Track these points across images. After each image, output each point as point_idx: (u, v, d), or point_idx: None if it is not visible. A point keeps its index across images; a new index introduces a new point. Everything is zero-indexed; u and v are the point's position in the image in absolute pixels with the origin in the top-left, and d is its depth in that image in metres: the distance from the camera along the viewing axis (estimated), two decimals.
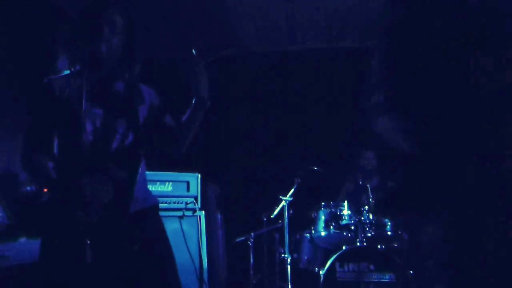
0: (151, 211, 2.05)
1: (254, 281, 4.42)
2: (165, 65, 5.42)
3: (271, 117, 5.74)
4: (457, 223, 4.30)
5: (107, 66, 1.96)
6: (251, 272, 4.36)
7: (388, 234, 4.10)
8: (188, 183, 3.85)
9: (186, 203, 3.75)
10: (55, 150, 1.93)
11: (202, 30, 5.07)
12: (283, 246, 4.23)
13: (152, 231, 2.00)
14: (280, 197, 4.31)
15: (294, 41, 5.66)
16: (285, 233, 4.19)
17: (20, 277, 2.62)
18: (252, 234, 4.36)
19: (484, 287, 3.94)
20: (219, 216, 4.43)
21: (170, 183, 3.78)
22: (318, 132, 5.50)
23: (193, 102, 2.06)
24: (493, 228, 4.03)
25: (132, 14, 2.04)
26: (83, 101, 1.87)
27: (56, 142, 1.94)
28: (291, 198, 4.30)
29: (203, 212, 3.84)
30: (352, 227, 4.12)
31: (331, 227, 4.16)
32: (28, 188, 3.35)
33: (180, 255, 3.40)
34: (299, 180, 4.42)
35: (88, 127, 1.89)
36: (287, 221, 4.21)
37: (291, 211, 4.32)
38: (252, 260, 4.36)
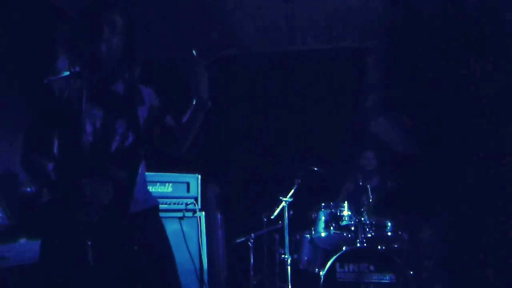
0: (151, 212, 2.05)
1: (254, 282, 4.42)
2: (165, 65, 5.42)
3: (271, 117, 5.73)
4: (457, 223, 4.29)
5: (107, 67, 1.96)
6: (251, 272, 4.36)
7: (388, 235, 4.10)
8: (188, 184, 3.85)
9: (186, 204, 3.75)
10: (55, 151, 1.93)
11: (202, 30, 5.07)
12: (283, 246, 4.22)
13: (152, 232, 2.00)
14: (280, 197, 4.31)
15: (294, 41, 5.66)
16: (285, 234, 4.19)
17: (20, 278, 2.61)
18: (252, 234, 4.36)
19: (484, 287, 3.93)
20: (219, 217, 4.43)
21: (170, 184, 3.78)
22: (318, 133, 5.49)
23: (194, 102, 2.06)
24: (493, 228, 4.02)
25: (132, 14, 2.04)
26: (83, 102, 1.87)
27: (56, 143, 1.94)
28: (291, 199, 4.30)
29: (203, 213, 3.84)
30: (352, 228, 4.12)
31: (331, 227, 4.16)
32: (28, 189, 3.35)
33: (180, 256, 3.39)
34: (299, 181, 4.42)
35: (88, 128, 1.89)
36: (287, 221, 4.21)
37: (291, 212, 4.32)
38: (252, 261, 4.35)
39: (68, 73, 1.98)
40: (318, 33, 5.42)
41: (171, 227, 3.55)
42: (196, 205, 3.82)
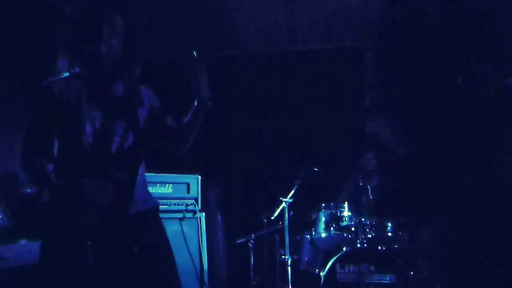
0: (151, 213, 2.05)
1: (255, 283, 4.41)
2: (165, 66, 5.42)
3: (271, 117, 5.72)
4: (457, 223, 4.29)
5: (107, 67, 1.96)
6: (252, 273, 4.35)
7: (388, 235, 4.10)
8: (188, 184, 3.84)
9: (187, 205, 3.75)
10: (55, 151, 1.93)
11: (202, 30, 5.06)
12: (283, 247, 4.22)
13: (152, 233, 2.00)
14: (281, 198, 4.30)
15: (294, 41, 5.66)
16: (286, 235, 4.18)
17: (20, 279, 2.61)
18: (252, 235, 4.35)
19: (484, 287, 3.93)
20: (219, 217, 4.43)
21: (170, 185, 3.77)
22: (318, 133, 5.48)
23: (195, 103, 2.06)
24: (493, 228, 4.02)
25: (132, 14, 2.04)
26: (83, 102, 1.87)
27: (56, 143, 1.93)
28: (292, 199, 4.30)
29: (204, 213, 3.84)
30: (353, 228, 4.12)
31: (332, 228, 4.16)
32: (28, 189, 3.34)
33: (181, 257, 3.39)
34: (300, 181, 4.41)
35: (88, 128, 1.89)
36: (287, 222, 4.21)
37: (292, 213, 4.32)
38: (252, 262, 4.35)
39: (68, 74, 1.98)
40: (318, 33, 5.41)
41: (171, 228, 3.54)
42: (196, 205, 3.82)
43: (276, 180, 5.04)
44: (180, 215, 3.69)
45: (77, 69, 1.98)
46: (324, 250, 4.34)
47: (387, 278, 3.79)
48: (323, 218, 4.24)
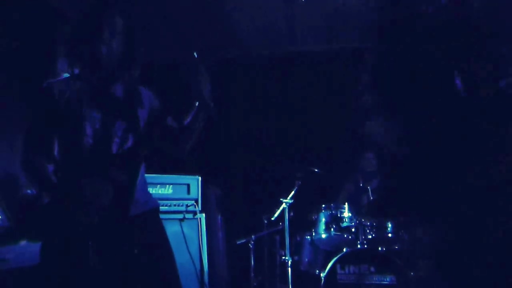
0: (151, 214, 2.05)
1: (255, 284, 4.41)
2: (165, 66, 5.41)
3: (271, 118, 5.72)
4: (457, 223, 4.28)
5: (106, 67, 1.96)
6: (252, 274, 4.35)
7: (388, 236, 4.09)
8: (188, 185, 3.84)
9: (187, 206, 3.74)
10: (55, 152, 1.93)
11: (202, 30, 5.06)
12: (283, 248, 4.22)
13: (152, 234, 2.00)
14: (281, 199, 4.30)
15: (294, 42, 5.66)
16: (286, 235, 4.18)
17: (20, 280, 2.60)
18: (252, 236, 4.35)
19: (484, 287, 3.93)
20: (219, 218, 4.42)
21: (171, 185, 3.77)
22: (318, 134, 5.48)
23: (196, 104, 2.05)
24: (493, 228, 4.02)
25: (131, 15, 2.04)
26: (83, 104, 1.87)
27: (56, 144, 1.93)
28: (292, 200, 4.30)
29: (204, 214, 3.84)
30: (353, 229, 4.12)
31: (332, 229, 4.15)
32: (29, 190, 3.34)
33: (181, 258, 3.39)
34: (300, 182, 4.41)
35: (88, 129, 1.89)
36: (287, 223, 4.20)
37: (292, 213, 4.31)
38: (252, 263, 4.35)
39: (68, 75, 1.98)
40: (318, 33, 5.42)
41: (172, 229, 3.54)
42: (197, 206, 3.81)
43: (276, 181, 5.04)
44: (180, 216, 3.69)
45: (77, 70, 1.98)
46: (324, 251, 4.33)
47: (387, 279, 3.78)
48: (323, 219, 4.23)
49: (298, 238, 4.44)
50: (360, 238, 4.05)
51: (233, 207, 5.00)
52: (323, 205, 4.30)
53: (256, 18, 5.04)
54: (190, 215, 3.74)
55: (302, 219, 4.45)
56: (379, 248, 3.94)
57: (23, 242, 2.75)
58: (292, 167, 4.77)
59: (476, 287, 4.01)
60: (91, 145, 1.89)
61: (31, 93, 2.10)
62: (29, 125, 1.95)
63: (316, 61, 5.71)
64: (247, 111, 5.80)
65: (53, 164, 1.91)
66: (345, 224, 4.14)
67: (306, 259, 4.33)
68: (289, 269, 4.07)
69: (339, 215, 4.19)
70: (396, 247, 4.15)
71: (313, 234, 4.26)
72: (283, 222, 4.24)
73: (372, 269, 3.83)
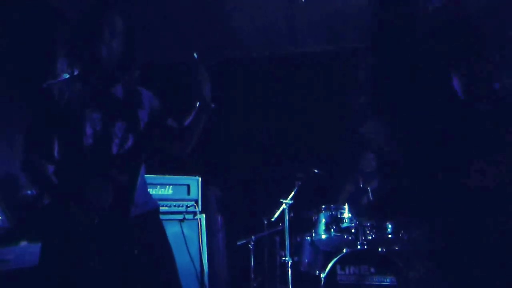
0: (151, 214, 2.05)
1: (255, 284, 4.41)
2: (165, 66, 5.41)
3: (271, 119, 5.72)
4: (457, 223, 4.28)
5: (106, 68, 1.95)
6: (252, 275, 4.35)
7: (388, 237, 4.09)
8: (188, 186, 3.84)
9: (187, 206, 3.74)
10: (56, 153, 1.92)
11: (202, 30, 5.06)
12: (284, 249, 4.22)
13: (152, 235, 2.00)
14: (281, 200, 4.30)
15: (294, 42, 5.65)
16: (286, 236, 4.18)
17: (20, 281, 2.60)
18: (252, 237, 4.35)
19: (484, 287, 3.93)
20: (219, 219, 4.42)
21: (171, 186, 3.77)
22: (318, 134, 5.47)
23: (197, 105, 2.05)
24: (493, 228, 4.02)
25: (131, 15, 2.04)
26: (83, 104, 1.87)
27: (56, 145, 1.93)
28: (292, 201, 4.29)
29: (204, 215, 3.83)
30: (353, 230, 4.12)
31: (332, 230, 4.15)
32: (29, 191, 3.34)
33: (181, 258, 3.39)
34: (300, 183, 4.41)
35: (88, 130, 1.89)
36: (287, 224, 4.20)
37: (292, 214, 4.31)
38: (252, 263, 4.34)
39: (67, 75, 1.98)
40: (318, 33, 5.41)
41: (172, 230, 3.54)
42: (197, 207, 3.81)
43: (276, 181, 5.04)
44: (180, 216, 3.68)
45: (76, 70, 1.98)
46: (324, 252, 4.33)
47: (388, 280, 3.78)
48: (323, 220, 4.23)
49: (298, 239, 4.44)
50: (360, 238, 4.05)
51: (233, 208, 4.99)
52: (323, 206, 4.30)
53: (256, 18, 5.04)
54: (190, 216, 3.73)
55: (302, 219, 4.45)
56: (379, 249, 3.94)
57: (23, 243, 2.75)
58: (292, 167, 4.77)
59: (476, 287, 4.01)
60: (91, 145, 1.88)
61: (31, 93, 2.09)
62: (29, 126, 1.94)
63: (316, 61, 5.70)
64: (247, 111, 5.79)
65: (53, 165, 1.91)
66: (345, 225, 4.14)
67: (306, 260, 4.33)
68: (289, 269, 4.08)
69: (339, 216, 4.19)
70: (396, 248, 4.15)
71: (313, 234, 4.26)
72: (283, 222, 4.24)
73: (372, 269, 3.82)
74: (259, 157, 5.57)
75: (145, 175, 2.11)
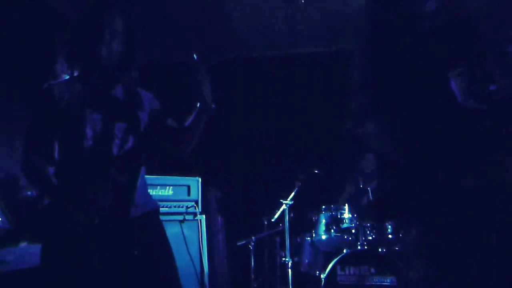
0: (151, 215, 2.05)
1: (255, 285, 4.41)
2: (165, 66, 5.40)
3: (271, 119, 5.72)
4: (457, 223, 4.27)
5: (106, 68, 1.95)
6: (252, 275, 4.35)
7: (389, 237, 4.09)
8: (188, 187, 3.83)
9: (187, 207, 3.74)
10: (56, 154, 1.92)
11: (202, 31, 5.06)
12: (284, 249, 4.22)
13: (152, 236, 2.00)
14: (281, 200, 4.29)
15: (294, 43, 5.65)
16: (286, 237, 4.17)
17: (21, 282, 2.60)
18: (253, 237, 4.35)
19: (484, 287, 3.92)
20: (220, 219, 4.42)
21: (171, 187, 3.76)
22: (318, 135, 5.47)
23: (198, 106, 2.05)
24: (493, 228, 4.01)
25: (131, 15, 2.03)
26: (83, 105, 1.87)
27: (56, 146, 1.93)
28: (292, 202, 4.29)
29: (204, 216, 3.83)
30: (353, 231, 4.11)
31: (332, 230, 4.15)
32: (29, 192, 3.33)
33: (181, 259, 3.38)
34: (300, 183, 4.40)
35: (88, 131, 1.89)
36: (287, 224, 4.20)
37: (292, 215, 4.31)
38: (253, 264, 4.34)
39: (67, 76, 1.97)
40: (318, 34, 5.41)
41: (172, 230, 3.53)
42: (197, 208, 3.80)
43: (277, 182, 5.04)
44: (180, 217, 3.68)
45: (77, 71, 1.98)
46: (324, 252, 4.33)
47: (388, 280, 3.78)
48: (324, 220, 4.23)
49: (299, 239, 4.44)
50: (360, 239, 4.04)
51: (233, 208, 4.99)
52: (323, 206, 4.30)
53: (256, 18, 5.04)
54: (190, 217, 3.73)
55: (302, 220, 4.45)
56: (379, 249, 3.94)
57: (23, 244, 2.74)
58: (292, 168, 4.77)
59: (476, 287, 4.00)
60: (91, 146, 1.88)
61: (31, 93, 2.09)
62: (29, 126, 1.94)
63: (316, 61, 5.70)
64: (247, 111, 5.79)
65: (53, 165, 1.91)
66: (345, 225, 4.13)
67: (306, 260, 4.33)
68: (289, 270, 4.07)
69: (339, 216, 4.18)
70: (397, 248, 4.15)
71: (313, 235, 4.26)
72: (283, 223, 4.24)
73: (372, 270, 3.82)
74: (259, 157, 5.57)
75: (145, 176, 2.10)
